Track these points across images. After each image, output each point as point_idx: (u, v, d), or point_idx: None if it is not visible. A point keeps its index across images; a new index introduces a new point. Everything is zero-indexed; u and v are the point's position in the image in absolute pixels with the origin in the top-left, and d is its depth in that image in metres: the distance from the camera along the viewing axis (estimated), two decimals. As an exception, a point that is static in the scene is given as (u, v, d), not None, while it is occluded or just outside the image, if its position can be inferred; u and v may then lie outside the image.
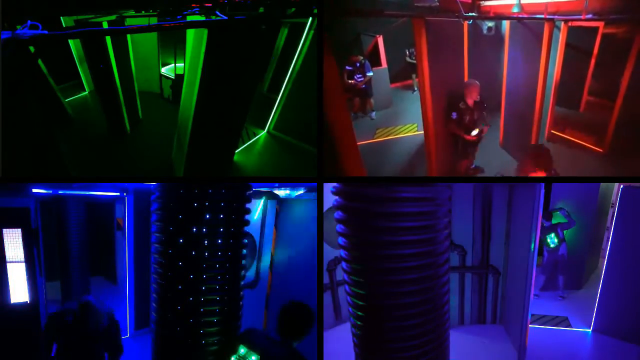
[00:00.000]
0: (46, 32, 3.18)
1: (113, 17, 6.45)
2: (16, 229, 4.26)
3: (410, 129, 8.40)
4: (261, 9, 5.38)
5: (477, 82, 6.03)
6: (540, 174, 4.63)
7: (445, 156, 6.15)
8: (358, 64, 8.72)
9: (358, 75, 8.78)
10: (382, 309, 3.37)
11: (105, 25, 6.14)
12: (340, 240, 3.49)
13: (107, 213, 7.68)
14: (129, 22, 6.64)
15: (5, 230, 4.21)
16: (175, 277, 3.68)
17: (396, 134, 8.31)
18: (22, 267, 4.30)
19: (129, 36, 6.99)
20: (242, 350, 3.38)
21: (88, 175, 5.81)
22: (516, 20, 6.32)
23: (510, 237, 5.62)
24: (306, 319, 3.41)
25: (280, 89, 7.01)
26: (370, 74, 8.82)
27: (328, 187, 3.59)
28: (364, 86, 8.89)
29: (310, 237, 5.37)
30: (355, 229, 3.35)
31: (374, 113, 9.16)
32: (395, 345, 3.40)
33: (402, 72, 10.46)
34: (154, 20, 6.63)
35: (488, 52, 8.79)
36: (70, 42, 7.56)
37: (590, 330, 5.88)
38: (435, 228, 3.40)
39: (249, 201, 3.98)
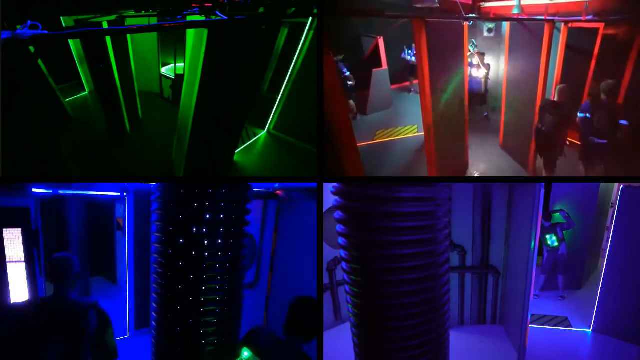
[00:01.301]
0: (46, 32, 3.18)
1: (113, 17, 6.46)
2: (16, 229, 4.26)
3: (410, 131, 8.40)
4: (261, 9, 5.39)
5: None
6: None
7: (445, 157, 6.16)
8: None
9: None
10: (382, 309, 3.37)
11: (105, 25, 6.15)
12: (340, 240, 3.49)
13: (107, 213, 7.68)
14: (129, 22, 6.65)
15: (5, 230, 4.22)
16: (175, 277, 3.68)
17: (396, 136, 8.31)
18: (22, 267, 4.30)
19: (129, 36, 7.00)
20: (246, 353, 3.25)
21: (88, 175, 5.80)
22: (516, 21, 6.33)
23: (510, 237, 5.62)
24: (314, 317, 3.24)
25: (280, 89, 7.01)
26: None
27: (328, 187, 3.59)
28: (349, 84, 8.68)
29: (310, 238, 5.37)
30: (355, 229, 3.35)
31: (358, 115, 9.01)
32: (395, 345, 3.40)
33: (402, 74, 10.46)
34: (154, 20, 6.64)
35: (488, 54, 8.81)
36: (70, 42, 7.56)
37: (590, 330, 5.88)
38: (435, 228, 3.40)
39: (249, 201, 3.99)
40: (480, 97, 8.56)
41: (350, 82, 8.71)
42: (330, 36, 4.08)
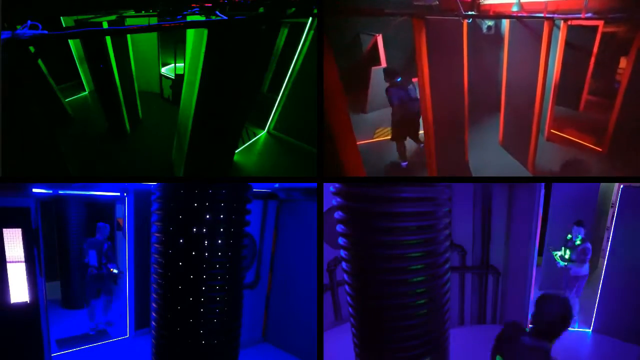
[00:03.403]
0: (46, 32, 3.18)
1: (113, 17, 6.46)
2: (16, 229, 4.25)
3: (410, 129, 8.38)
4: (261, 9, 5.39)
5: None
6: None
7: (446, 156, 6.15)
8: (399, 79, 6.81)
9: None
10: (382, 309, 3.37)
11: (105, 25, 6.15)
12: (341, 240, 3.49)
13: (107, 213, 7.68)
14: (129, 22, 6.65)
15: (5, 230, 4.21)
16: (175, 277, 3.68)
17: (396, 134, 8.28)
18: (22, 267, 4.30)
19: (129, 36, 6.99)
20: None
21: (88, 175, 5.81)
22: (516, 19, 6.32)
23: (510, 237, 5.61)
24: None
25: (280, 89, 7.01)
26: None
27: (328, 187, 3.59)
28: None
29: (310, 238, 5.38)
30: (356, 229, 3.35)
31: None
32: (395, 345, 3.40)
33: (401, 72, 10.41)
34: (154, 20, 6.64)
35: (488, 51, 8.80)
36: (70, 42, 7.56)
37: (590, 330, 5.88)
38: (435, 228, 3.39)
39: (249, 201, 3.98)
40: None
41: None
42: (329, 34, 4.08)
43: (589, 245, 5.97)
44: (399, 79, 6.76)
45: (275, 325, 6.25)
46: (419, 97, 6.26)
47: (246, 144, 7.12)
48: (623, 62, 6.04)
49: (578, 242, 5.95)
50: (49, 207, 7.07)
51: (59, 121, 7.43)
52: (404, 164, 7.07)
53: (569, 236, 6.04)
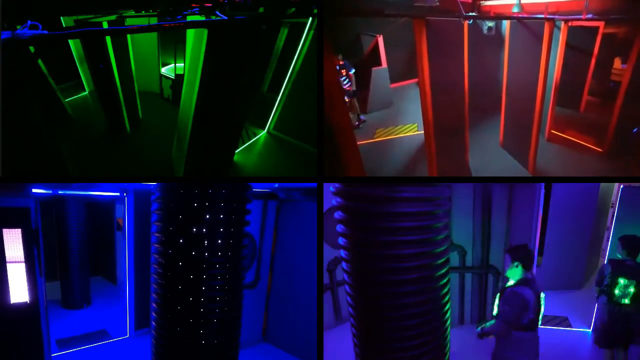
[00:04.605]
0: (46, 32, 3.18)
1: (113, 17, 6.47)
2: (16, 229, 4.25)
3: (410, 129, 8.39)
4: (261, 9, 5.38)
5: None
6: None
7: (446, 156, 6.15)
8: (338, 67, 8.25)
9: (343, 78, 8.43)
10: (382, 309, 3.37)
11: (105, 25, 6.15)
12: (341, 240, 3.49)
13: (107, 213, 7.68)
14: (129, 22, 6.65)
15: (5, 230, 4.21)
16: (175, 277, 3.67)
17: (396, 134, 8.30)
18: (22, 267, 4.30)
19: (129, 36, 7.00)
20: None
21: (88, 175, 5.81)
22: (516, 20, 6.32)
23: (510, 237, 5.61)
24: None
25: (280, 89, 7.01)
26: (353, 71, 8.51)
27: (328, 187, 3.59)
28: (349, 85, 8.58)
29: (310, 238, 5.38)
30: (356, 229, 3.35)
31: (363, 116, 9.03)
32: (395, 345, 3.40)
33: (402, 72, 10.44)
34: (154, 20, 6.64)
35: (488, 52, 8.80)
36: (70, 42, 7.56)
37: (590, 330, 5.88)
38: (435, 228, 3.39)
39: (249, 201, 3.98)
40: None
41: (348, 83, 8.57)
42: (330, 35, 4.08)
43: (527, 292, 3.56)
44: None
45: (275, 325, 6.25)
46: (352, 85, 8.31)
47: (246, 144, 7.12)
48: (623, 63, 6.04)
49: (510, 282, 3.72)
50: (49, 207, 7.07)
51: (59, 121, 7.43)
52: (362, 117, 8.97)
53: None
